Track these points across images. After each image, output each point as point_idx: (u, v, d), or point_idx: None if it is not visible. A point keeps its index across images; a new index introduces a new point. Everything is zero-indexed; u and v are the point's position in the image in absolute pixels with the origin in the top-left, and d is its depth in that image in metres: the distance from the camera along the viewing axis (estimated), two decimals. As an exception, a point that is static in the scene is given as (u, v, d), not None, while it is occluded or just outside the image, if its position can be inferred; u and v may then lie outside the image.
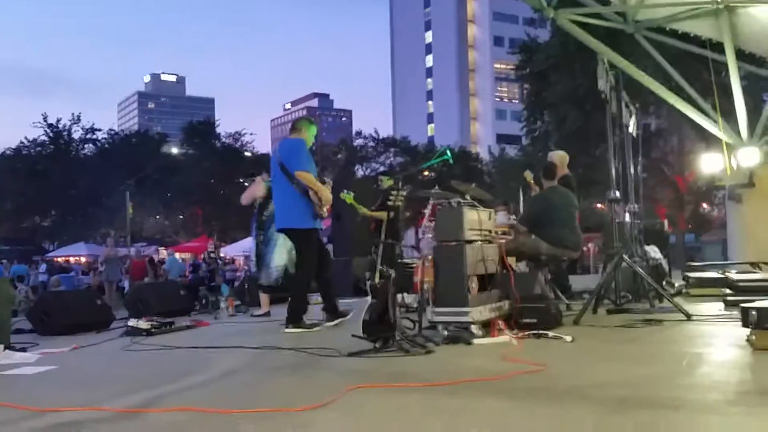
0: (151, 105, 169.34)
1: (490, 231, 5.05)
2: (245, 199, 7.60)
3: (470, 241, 4.70)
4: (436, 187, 6.95)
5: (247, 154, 40.57)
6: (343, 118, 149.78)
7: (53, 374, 3.93)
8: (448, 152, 6.85)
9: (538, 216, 6.43)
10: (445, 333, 4.60)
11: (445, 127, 79.62)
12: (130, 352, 4.82)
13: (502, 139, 62.87)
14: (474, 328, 4.55)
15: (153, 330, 5.76)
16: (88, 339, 5.69)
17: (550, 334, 4.51)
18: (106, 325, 6.61)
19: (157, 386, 3.28)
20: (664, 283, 7.49)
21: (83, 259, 31.59)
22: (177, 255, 23.61)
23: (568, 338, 4.35)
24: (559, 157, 7.33)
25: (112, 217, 39.66)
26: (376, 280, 4.29)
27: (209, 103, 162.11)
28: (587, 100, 18.07)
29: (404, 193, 4.41)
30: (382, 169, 35.92)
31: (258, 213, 7.50)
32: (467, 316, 4.51)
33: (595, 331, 4.88)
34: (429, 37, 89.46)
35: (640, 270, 5.63)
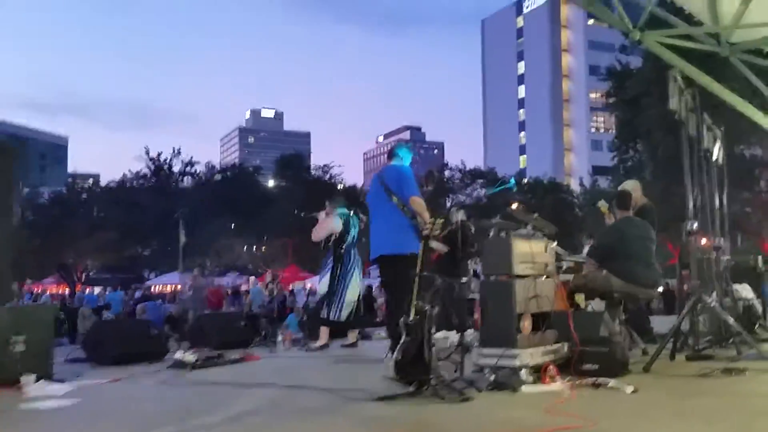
0: (251, 140, 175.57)
1: (546, 264, 4.60)
2: (320, 234, 7.38)
3: (521, 276, 4.29)
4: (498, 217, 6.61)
5: (339, 187, 41.03)
6: (435, 151, 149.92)
7: (69, 410, 3.80)
8: (512, 180, 6.51)
9: (609, 249, 5.90)
10: (492, 378, 4.19)
11: (538, 158, 78.13)
12: (163, 386, 4.67)
13: (597, 170, 60.90)
14: (524, 373, 4.11)
15: (198, 363, 5.60)
16: (135, 370, 5.59)
17: (611, 382, 4.01)
18: (160, 356, 6.52)
19: (161, 426, 3.06)
20: (757, 326, 6.71)
21: (179, 287, 32.61)
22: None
23: (629, 389, 3.83)
24: (632, 185, 6.78)
25: (208, 248, 41.16)
26: (411, 316, 3.91)
27: (306, 137, 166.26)
28: (680, 127, 17.02)
29: (441, 221, 4.05)
30: (468, 201, 35.43)
31: (334, 246, 7.29)
32: (516, 359, 4.08)
33: (666, 380, 4.32)
34: (522, 67, 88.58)
35: (722, 311, 4.99)
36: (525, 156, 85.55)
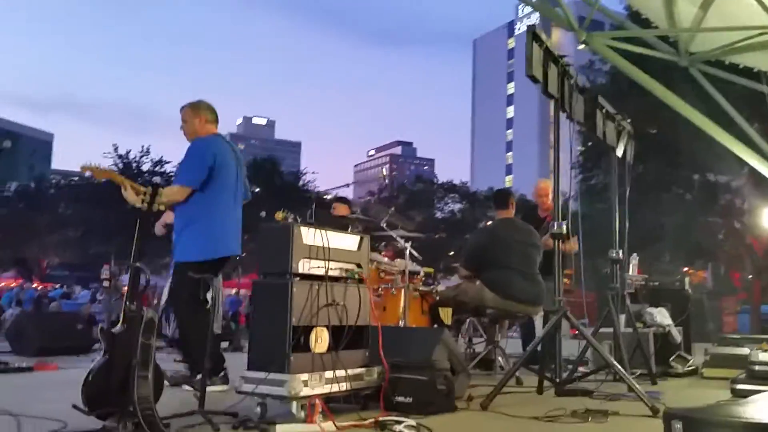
0: (241, 146, 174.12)
1: (358, 264, 3.52)
2: (158, 229, 6.22)
3: (307, 276, 3.22)
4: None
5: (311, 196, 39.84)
6: (426, 167, 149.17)
7: None
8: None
9: (480, 255, 4.86)
10: (258, 410, 3.12)
11: (524, 178, 77.20)
12: None
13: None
14: (295, 407, 3.03)
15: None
16: None
17: (403, 424, 2.93)
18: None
19: None
20: (673, 357, 5.67)
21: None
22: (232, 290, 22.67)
23: (412, 437, 2.76)
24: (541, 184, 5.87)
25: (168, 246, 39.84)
26: (118, 323, 2.81)
27: (296, 146, 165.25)
28: (642, 144, 16.04)
29: (164, 199, 2.94)
30: (439, 215, 34.38)
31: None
32: (283, 387, 3.00)
33: (493, 423, 3.23)
34: (511, 88, 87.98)
35: (591, 338, 3.92)
36: (512, 176, 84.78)
